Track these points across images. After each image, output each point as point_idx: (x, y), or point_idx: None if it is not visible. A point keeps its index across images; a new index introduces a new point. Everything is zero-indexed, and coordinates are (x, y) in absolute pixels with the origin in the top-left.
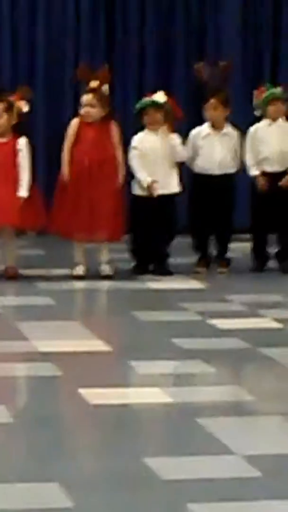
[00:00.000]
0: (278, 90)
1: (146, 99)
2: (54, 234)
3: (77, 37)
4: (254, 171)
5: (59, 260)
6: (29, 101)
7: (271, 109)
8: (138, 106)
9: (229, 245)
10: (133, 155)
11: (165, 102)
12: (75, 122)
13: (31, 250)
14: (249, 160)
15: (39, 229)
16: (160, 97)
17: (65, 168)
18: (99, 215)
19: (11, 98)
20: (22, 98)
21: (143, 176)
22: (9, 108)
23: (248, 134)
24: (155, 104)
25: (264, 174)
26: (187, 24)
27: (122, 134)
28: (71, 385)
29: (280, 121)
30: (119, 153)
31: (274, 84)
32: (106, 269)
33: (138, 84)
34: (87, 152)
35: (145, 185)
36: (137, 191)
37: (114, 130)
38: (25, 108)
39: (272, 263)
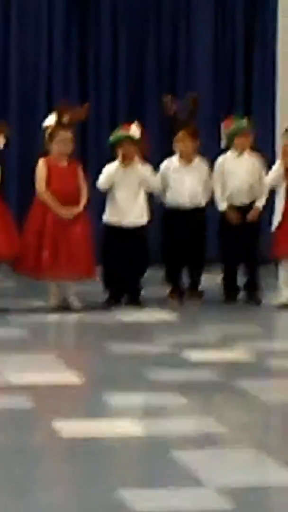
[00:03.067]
0: (244, 122)
1: (121, 132)
2: (22, 274)
3: (49, 68)
4: (222, 206)
5: (32, 292)
6: (6, 137)
7: (237, 141)
8: (113, 139)
9: (201, 277)
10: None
11: (140, 137)
12: (43, 163)
13: (4, 281)
14: (217, 193)
15: (11, 257)
16: (134, 131)
17: (58, 208)
18: (71, 254)
19: None
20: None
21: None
22: None
23: (216, 166)
24: (129, 138)
25: (232, 207)
26: (158, 56)
27: (91, 168)
28: (44, 418)
29: (246, 153)
30: (84, 195)
31: (245, 115)
32: (74, 301)
33: (111, 114)
34: (58, 190)
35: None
36: (108, 218)
37: (80, 170)
38: (2, 143)
39: (243, 294)
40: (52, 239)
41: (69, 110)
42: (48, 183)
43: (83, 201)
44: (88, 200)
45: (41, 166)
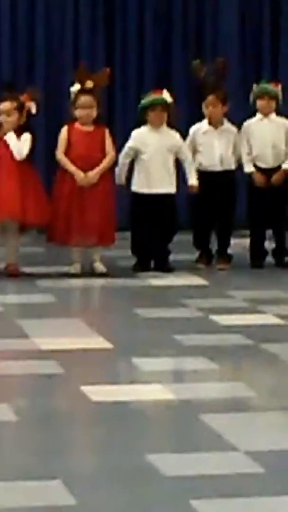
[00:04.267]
0: (265, 86)
1: (154, 96)
2: (51, 242)
3: (76, 36)
4: (249, 168)
5: (60, 258)
6: (37, 103)
7: (259, 104)
8: (144, 102)
9: (230, 241)
10: (128, 148)
11: (172, 102)
12: (65, 129)
13: (32, 247)
14: (243, 155)
15: (42, 225)
16: (167, 96)
17: (74, 170)
18: (87, 221)
19: (22, 98)
20: (31, 99)
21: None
22: (20, 107)
23: (242, 130)
24: (162, 102)
25: (258, 170)
26: (185, 22)
27: (118, 134)
28: (73, 383)
29: (273, 116)
30: (109, 156)
31: (273, 79)
32: (99, 266)
33: (138, 81)
34: (82, 155)
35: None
36: (136, 188)
37: (107, 134)
38: (33, 109)
39: (270, 259)
40: (71, 206)
41: (90, 75)
42: (72, 148)
43: (103, 164)
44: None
45: (63, 131)
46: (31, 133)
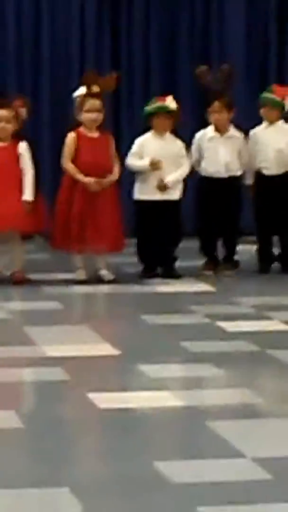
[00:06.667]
0: (268, 95)
1: (158, 103)
2: (55, 248)
3: (82, 41)
4: (249, 180)
5: (65, 264)
6: (29, 110)
7: (262, 111)
8: (149, 109)
9: (236, 248)
10: (131, 157)
11: (176, 109)
12: (72, 136)
13: (37, 254)
14: (248, 166)
15: (43, 233)
16: (171, 102)
17: (83, 178)
18: (99, 227)
19: (15, 105)
20: (22, 106)
21: (142, 162)
22: (16, 115)
23: (249, 138)
24: (167, 110)
25: (262, 177)
26: (191, 28)
27: (124, 140)
28: (80, 390)
29: (279, 123)
30: (116, 165)
31: (280, 85)
32: (105, 274)
33: (144, 88)
34: (90, 161)
35: (148, 165)
36: (139, 196)
37: (112, 141)
38: (25, 115)
39: (277, 265)
40: (80, 212)
41: (97, 80)
42: (79, 154)
43: (115, 172)
44: (120, 173)
45: (69, 138)
46: (26, 140)
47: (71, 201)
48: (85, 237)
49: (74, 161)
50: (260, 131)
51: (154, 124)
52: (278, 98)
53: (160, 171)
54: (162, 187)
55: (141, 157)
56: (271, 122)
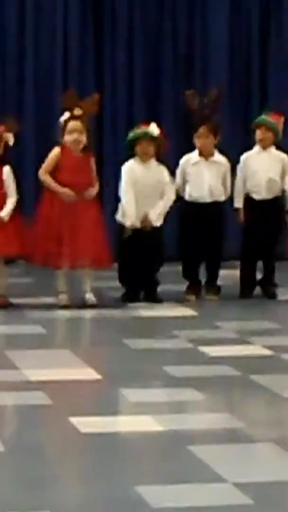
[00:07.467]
0: (265, 117)
1: (140, 130)
2: (37, 264)
3: (65, 67)
4: (238, 204)
5: (48, 288)
6: (16, 134)
7: (258, 133)
8: (131, 136)
9: (218, 272)
10: (125, 183)
11: (158, 135)
12: (57, 151)
13: (20, 278)
14: (236, 190)
15: (26, 257)
16: (154, 129)
17: (59, 188)
18: (78, 243)
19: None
20: (9, 130)
21: (131, 211)
22: (0, 139)
23: (240, 162)
24: (149, 136)
25: (252, 201)
26: (175, 52)
27: (108, 163)
28: (62, 414)
29: (271, 149)
30: (96, 185)
31: (276, 112)
32: (90, 298)
33: (127, 113)
34: (70, 180)
35: (128, 224)
36: (121, 219)
37: (93, 162)
38: (11, 141)
39: (258, 290)
40: (59, 228)
41: (77, 102)
42: (60, 172)
43: (94, 189)
44: (99, 194)
45: (53, 152)
46: (9, 164)
47: (50, 217)
48: (64, 253)
49: (54, 177)
50: (253, 156)
51: (138, 150)
52: (274, 121)
53: (143, 202)
54: (147, 224)
55: (131, 184)
56: (264, 147)
